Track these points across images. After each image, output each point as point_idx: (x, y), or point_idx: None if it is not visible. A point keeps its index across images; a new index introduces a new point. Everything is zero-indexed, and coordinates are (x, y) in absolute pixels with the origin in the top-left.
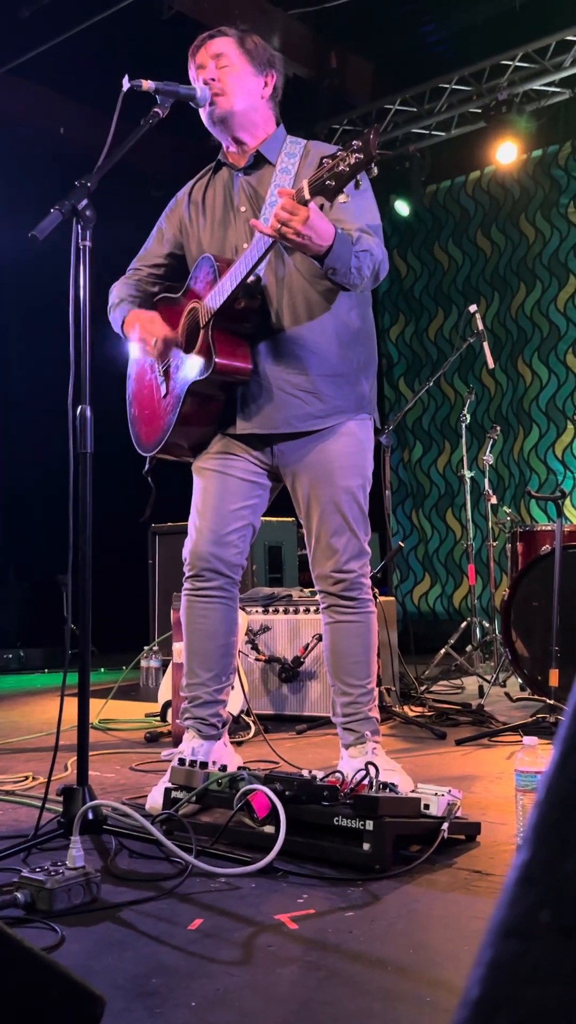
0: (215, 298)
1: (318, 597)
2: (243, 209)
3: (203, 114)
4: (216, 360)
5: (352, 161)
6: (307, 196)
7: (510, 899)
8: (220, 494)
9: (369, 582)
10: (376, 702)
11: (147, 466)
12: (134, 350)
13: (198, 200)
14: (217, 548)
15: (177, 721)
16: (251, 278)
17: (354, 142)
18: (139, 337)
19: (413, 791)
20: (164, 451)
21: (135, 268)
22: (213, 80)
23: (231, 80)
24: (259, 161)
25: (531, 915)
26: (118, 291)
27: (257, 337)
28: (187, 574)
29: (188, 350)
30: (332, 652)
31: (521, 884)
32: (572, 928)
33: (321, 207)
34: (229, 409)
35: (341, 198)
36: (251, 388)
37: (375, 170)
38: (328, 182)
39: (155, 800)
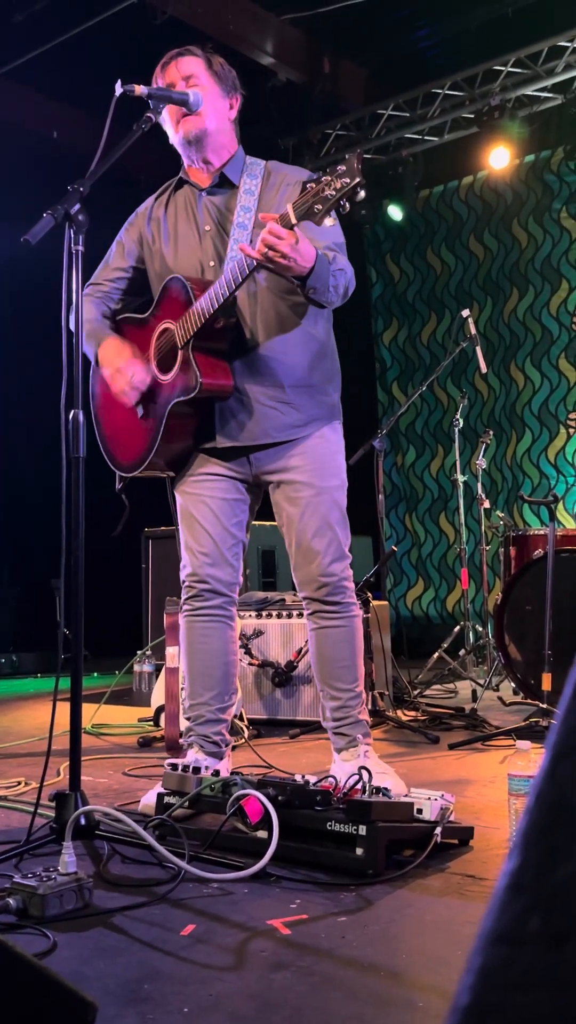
0: (193, 318)
1: (302, 604)
2: (207, 228)
3: (175, 134)
4: (202, 381)
5: (338, 185)
6: (293, 220)
7: (500, 906)
8: (210, 517)
9: (352, 585)
10: (365, 704)
11: (119, 484)
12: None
13: (159, 217)
14: (215, 569)
15: (182, 741)
16: (228, 300)
17: (338, 167)
18: (115, 372)
19: (406, 795)
20: (146, 469)
21: (96, 283)
22: None
23: (203, 99)
24: (223, 182)
25: (521, 922)
26: (85, 311)
27: (232, 353)
28: (185, 596)
29: (164, 371)
30: (319, 658)
31: (511, 891)
32: (561, 935)
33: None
34: (207, 424)
35: (328, 221)
36: (229, 403)
37: (362, 193)
38: (316, 206)
39: (149, 801)
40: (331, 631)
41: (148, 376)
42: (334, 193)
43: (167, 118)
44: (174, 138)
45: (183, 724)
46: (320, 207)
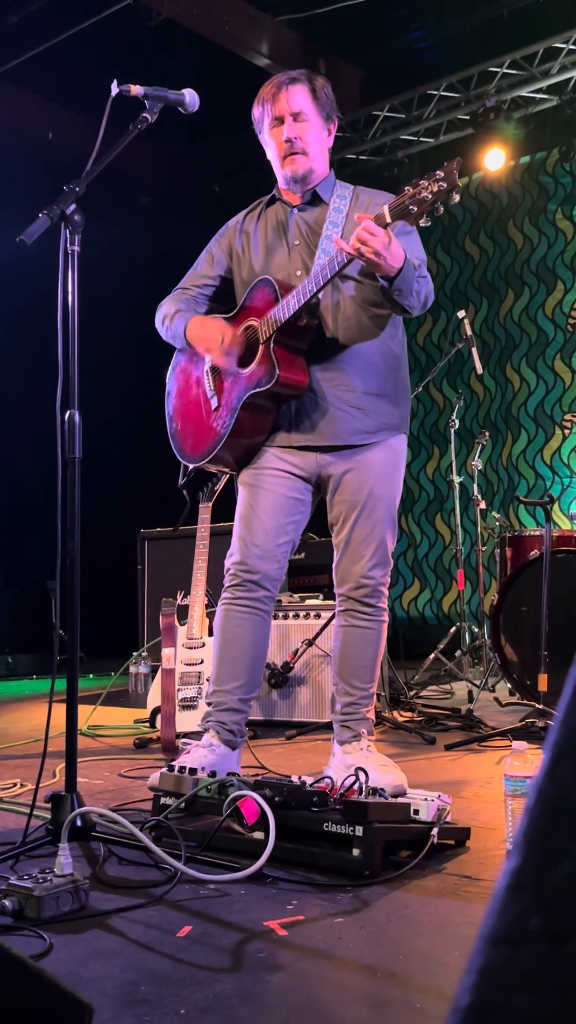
0: (279, 314)
1: (336, 600)
2: (297, 243)
3: (280, 170)
4: (279, 373)
5: (435, 189)
6: (388, 220)
7: (500, 906)
8: (268, 510)
9: (387, 591)
10: (373, 705)
11: (182, 479)
12: (177, 367)
13: (250, 231)
14: (263, 562)
15: (188, 743)
16: (313, 299)
17: (437, 172)
18: (209, 343)
19: (406, 789)
20: (211, 462)
21: (183, 287)
22: (296, 139)
23: (310, 139)
24: (314, 199)
25: (521, 922)
26: (168, 307)
27: (311, 354)
28: (228, 583)
29: (244, 365)
30: (342, 654)
31: (511, 891)
32: (562, 935)
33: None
34: (279, 421)
35: (422, 222)
36: (304, 402)
37: (456, 197)
38: (411, 207)
39: (155, 780)
40: (360, 631)
41: (240, 334)
42: (430, 196)
43: (272, 145)
44: (277, 169)
45: (180, 725)
46: (415, 208)
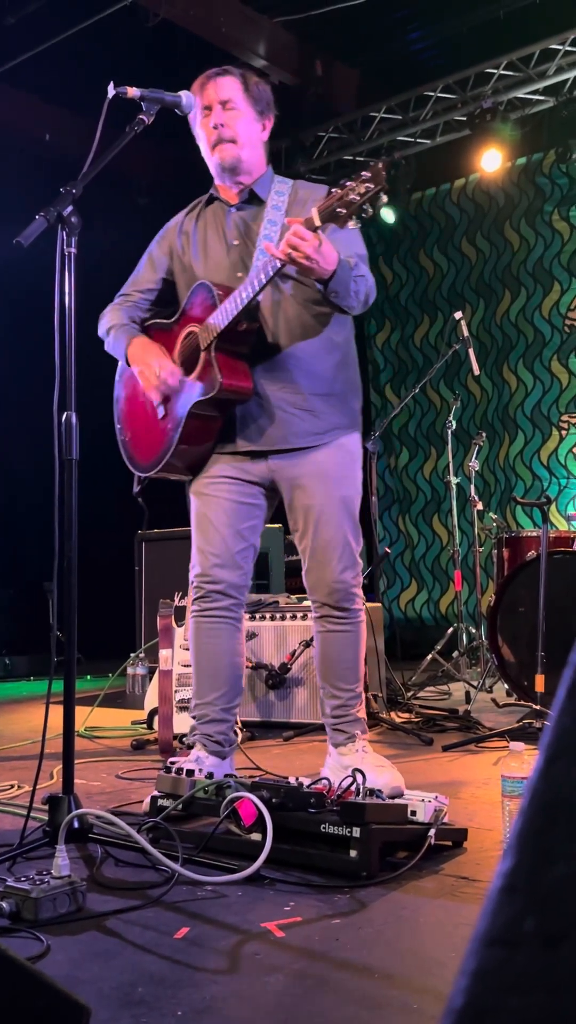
0: (218, 320)
1: (310, 605)
2: (236, 243)
3: (210, 157)
4: (222, 381)
5: (362, 190)
6: (317, 223)
7: (494, 907)
8: (223, 518)
9: (361, 592)
10: (363, 703)
11: (137, 487)
12: (123, 372)
13: (189, 231)
14: (224, 571)
15: (185, 740)
16: (252, 303)
17: (363, 172)
18: (144, 368)
19: (403, 789)
20: (162, 471)
21: (125, 294)
22: (222, 126)
23: (240, 127)
24: (252, 198)
25: (515, 923)
26: (111, 317)
27: (254, 358)
28: (194, 596)
29: (187, 373)
30: (323, 658)
31: (505, 892)
32: (556, 937)
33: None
34: (226, 427)
35: (351, 224)
36: (249, 407)
37: (384, 198)
38: (339, 210)
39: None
40: (338, 635)
41: (178, 370)
42: (358, 198)
43: (202, 136)
44: (208, 159)
45: (177, 727)
46: (344, 211)
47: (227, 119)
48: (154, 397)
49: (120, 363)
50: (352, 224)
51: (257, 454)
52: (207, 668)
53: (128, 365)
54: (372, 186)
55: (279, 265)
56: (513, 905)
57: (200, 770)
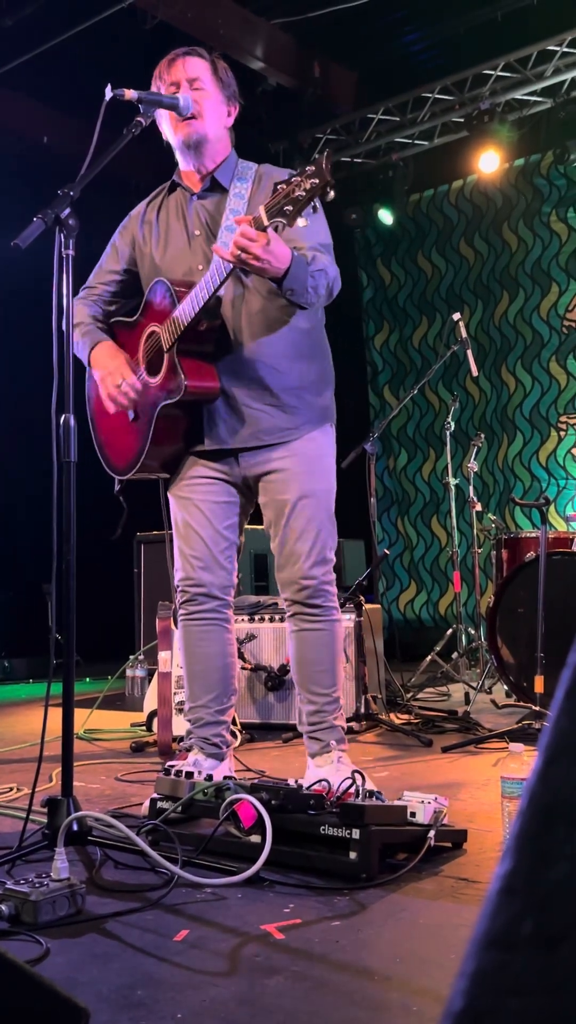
0: (177, 321)
1: (283, 605)
2: (197, 233)
3: (174, 136)
4: (187, 384)
5: (308, 186)
6: (265, 222)
7: (492, 909)
8: (202, 520)
9: (334, 590)
10: (342, 711)
11: (118, 487)
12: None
13: (151, 220)
14: (207, 573)
15: (182, 744)
16: (211, 301)
17: (307, 167)
18: (105, 376)
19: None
20: (138, 472)
21: (90, 286)
22: (192, 102)
23: (207, 105)
24: (214, 186)
25: (513, 926)
26: (78, 311)
27: (219, 355)
28: (180, 600)
29: (152, 374)
30: (298, 661)
31: (503, 894)
32: (554, 939)
33: (276, 229)
34: (196, 427)
35: (300, 222)
36: (217, 405)
37: (331, 194)
38: (286, 207)
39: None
40: (310, 634)
41: (139, 383)
42: (304, 194)
43: (164, 117)
44: (172, 140)
45: (176, 729)
46: (291, 208)
47: (195, 96)
48: (109, 408)
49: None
50: (301, 221)
51: (228, 452)
52: (199, 671)
53: (88, 368)
54: (317, 181)
55: (229, 267)
56: (512, 907)
57: (199, 772)
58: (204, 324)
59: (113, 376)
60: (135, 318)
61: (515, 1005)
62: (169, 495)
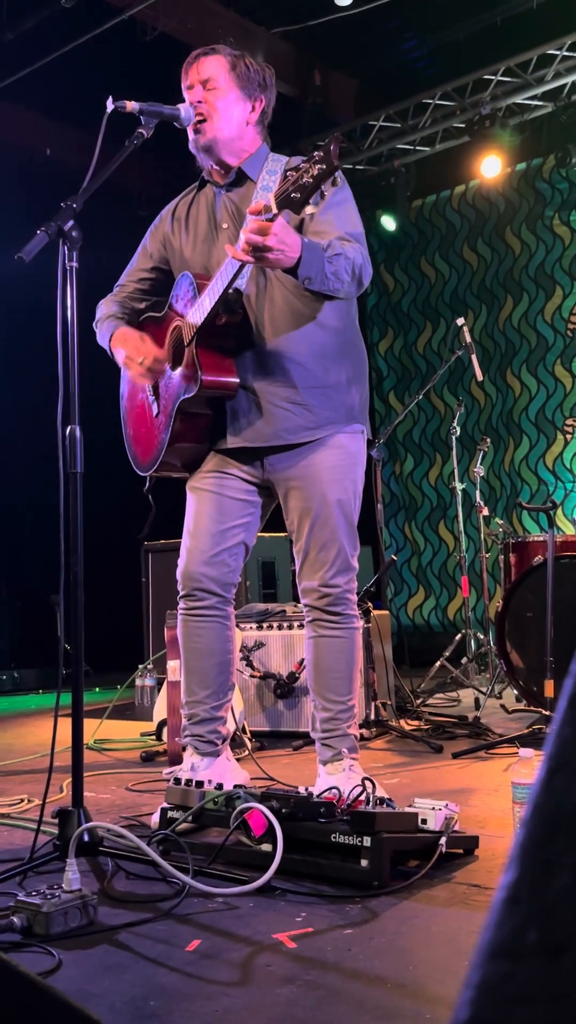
0: (196, 315)
1: (303, 611)
2: (225, 226)
3: (189, 139)
4: (203, 378)
5: (315, 172)
6: (275, 210)
7: (497, 919)
8: (212, 514)
9: (355, 598)
10: (356, 720)
11: (147, 484)
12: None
13: (181, 216)
14: (207, 568)
15: (177, 739)
16: (231, 292)
17: (315, 153)
18: (126, 357)
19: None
20: (160, 469)
21: (121, 284)
22: (200, 103)
23: (218, 105)
24: (241, 178)
25: (518, 936)
26: (104, 308)
27: (241, 350)
28: (180, 595)
29: (175, 368)
30: (315, 667)
31: (508, 904)
32: (559, 948)
33: (301, 222)
34: (219, 424)
35: (309, 209)
36: (239, 402)
37: (339, 180)
38: (293, 194)
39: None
40: (329, 640)
41: (161, 354)
42: (311, 181)
43: (191, 111)
44: (190, 144)
45: None
46: (298, 195)
47: (206, 97)
48: (142, 383)
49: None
50: (309, 208)
51: (251, 453)
52: (195, 667)
53: (113, 356)
54: (324, 167)
55: (239, 264)
56: (516, 917)
57: (208, 781)
58: (223, 319)
59: (135, 355)
60: (163, 312)
61: (520, 1015)
62: (187, 487)
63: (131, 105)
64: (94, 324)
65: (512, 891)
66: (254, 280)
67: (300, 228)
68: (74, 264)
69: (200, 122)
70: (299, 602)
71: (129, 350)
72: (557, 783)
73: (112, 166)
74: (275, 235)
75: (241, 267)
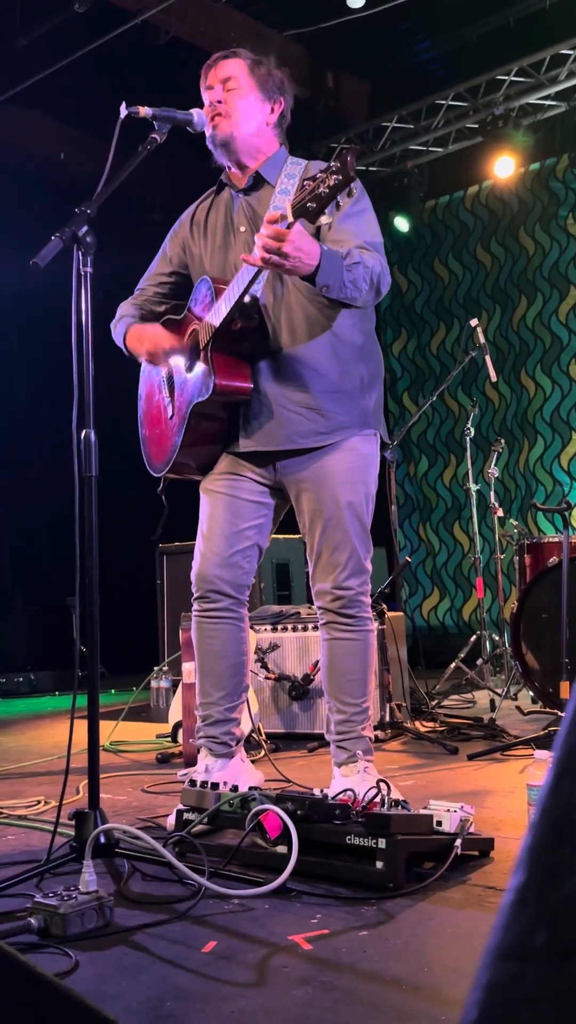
0: (212, 320)
1: (317, 613)
2: (243, 230)
3: (206, 135)
4: (216, 382)
5: (332, 183)
6: (291, 219)
7: (505, 922)
8: (226, 516)
9: (368, 600)
10: (371, 722)
11: (161, 485)
12: (144, 370)
13: (200, 220)
14: (221, 570)
15: (191, 741)
16: (247, 298)
17: (332, 163)
18: (147, 350)
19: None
20: (172, 470)
21: (141, 288)
22: (219, 102)
23: (236, 104)
24: (258, 182)
25: (526, 938)
26: (122, 310)
27: (257, 356)
28: (194, 595)
29: (190, 371)
30: (329, 669)
31: (516, 907)
32: (566, 951)
33: (318, 230)
34: (234, 427)
35: (324, 219)
36: (253, 406)
37: (356, 190)
38: (309, 204)
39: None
40: (343, 643)
41: (177, 344)
42: (327, 191)
43: (204, 116)
44: (207, 141)
45: None
46: (314, 205)
47: (225, 96)
48: (164, 368)
49: (143, 363)
50: (324, 218)
51: (264, 456)
52: (209, 668)
53: (129, 354)
54: (340, 178)
55: (255, 270)
56: (524, 920)
57: (223, 783)
58: (239, 324)
59: (155, 344)
60: (182, 315)
61: (527, 1016)
62: (200, 489)
63: (144, 111)
64: (111, 326)
65: (520, 894)
66: (271, 288)
67: (317, 237)
68: (88, 269)
69: (217, 116)
70: (312, 604)
71: (150, 344)
72: (564, 788)
73: (125, 171)
74: (291, 242)
75: (257, 273)
